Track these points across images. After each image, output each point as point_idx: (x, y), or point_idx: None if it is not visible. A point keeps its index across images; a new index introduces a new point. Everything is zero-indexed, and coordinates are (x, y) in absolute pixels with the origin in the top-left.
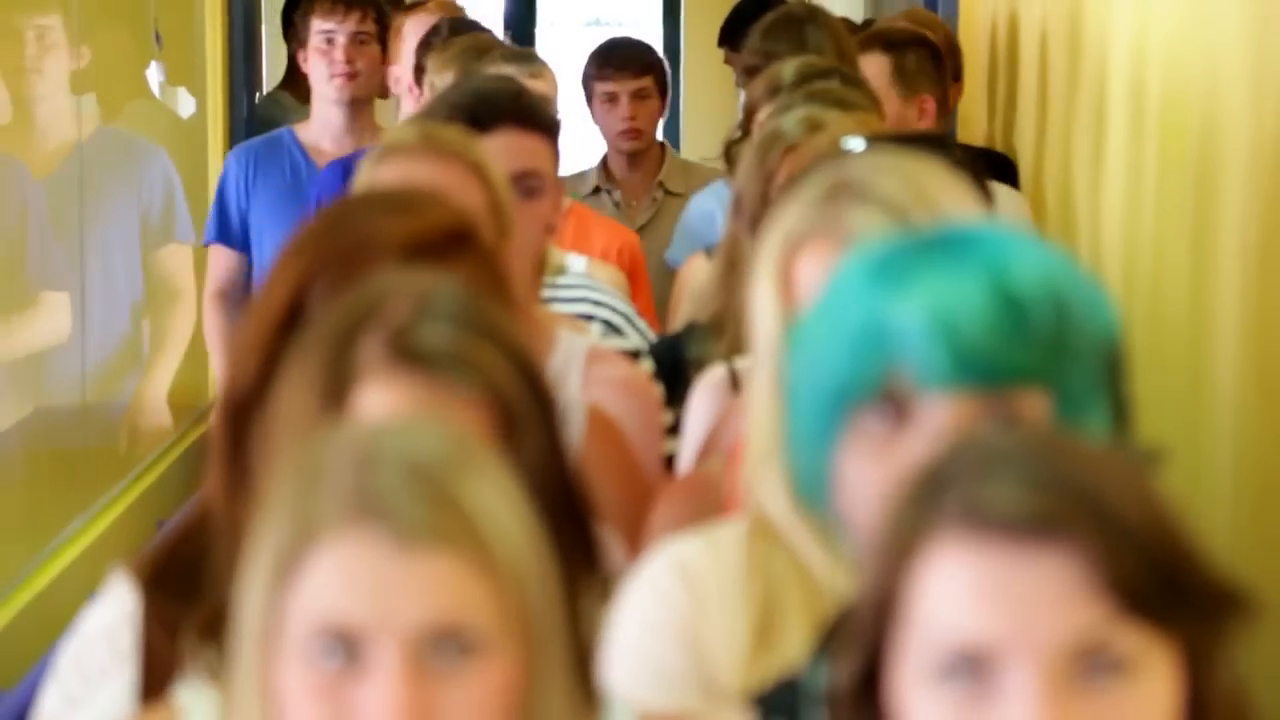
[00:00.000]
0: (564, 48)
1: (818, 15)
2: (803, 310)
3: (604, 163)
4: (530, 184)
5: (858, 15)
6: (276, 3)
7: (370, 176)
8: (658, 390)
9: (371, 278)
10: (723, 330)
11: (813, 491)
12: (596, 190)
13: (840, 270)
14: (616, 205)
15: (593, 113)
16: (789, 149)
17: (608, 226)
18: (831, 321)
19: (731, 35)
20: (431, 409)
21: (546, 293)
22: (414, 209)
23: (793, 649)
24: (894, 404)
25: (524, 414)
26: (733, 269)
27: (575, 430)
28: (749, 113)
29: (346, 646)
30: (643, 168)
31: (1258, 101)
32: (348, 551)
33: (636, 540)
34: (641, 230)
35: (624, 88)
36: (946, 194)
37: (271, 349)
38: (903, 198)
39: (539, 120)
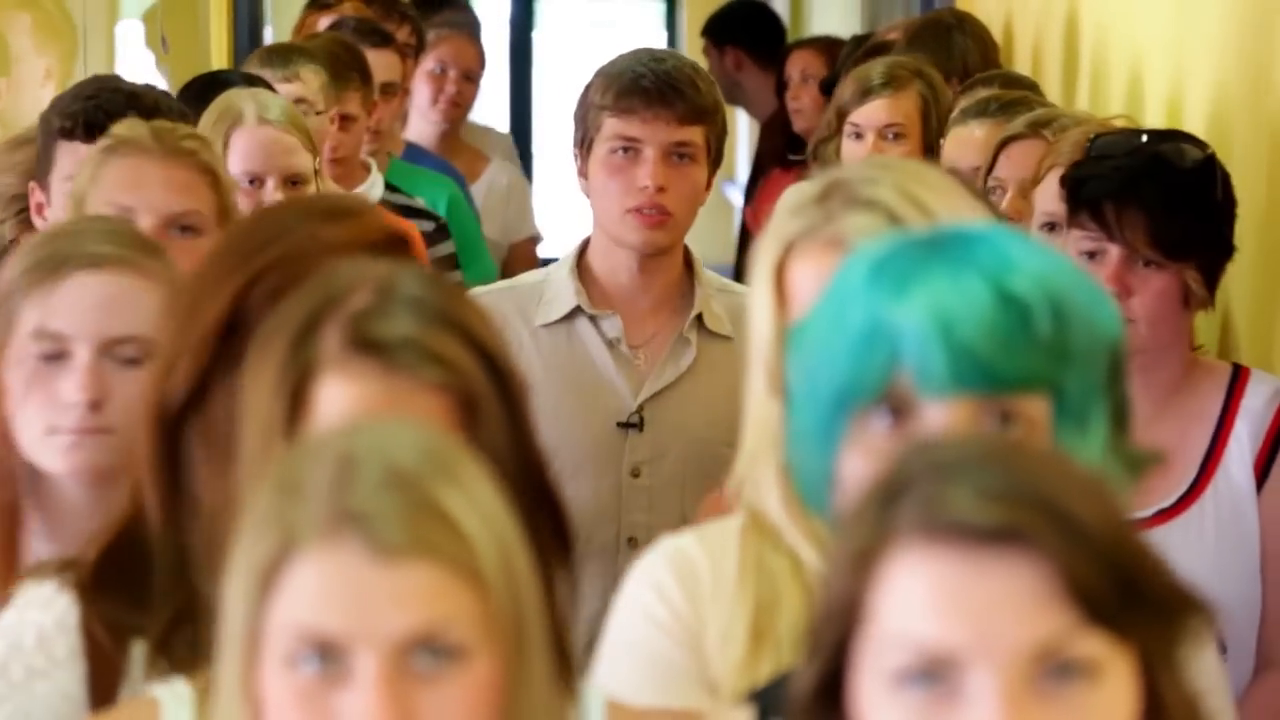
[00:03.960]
0: (564, 50)
1: (965, 22)
2: (802, 312)
3: None
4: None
5: (855, 24)
6: (281, 6)
7: (96, 169)
8: None
9: (329, 270)
10: None
11: (814, 492)
12: None
13: (842, 272)
14: None
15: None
16: (1006, 142)
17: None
18: (833, 323)
19: (717, 31)
20: (392, 398)
21: None
22: (350, 215)
23: (789, 647)
24: (895, 406)
25: (486, 401)
26: None
27: None
28: (840, 114)
29: (327, 656)
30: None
31: (1255, 102)
32: (327, 562)
33: None
34: None
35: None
36: (940, 198)
37: (207, 358)
38: (896, 202)
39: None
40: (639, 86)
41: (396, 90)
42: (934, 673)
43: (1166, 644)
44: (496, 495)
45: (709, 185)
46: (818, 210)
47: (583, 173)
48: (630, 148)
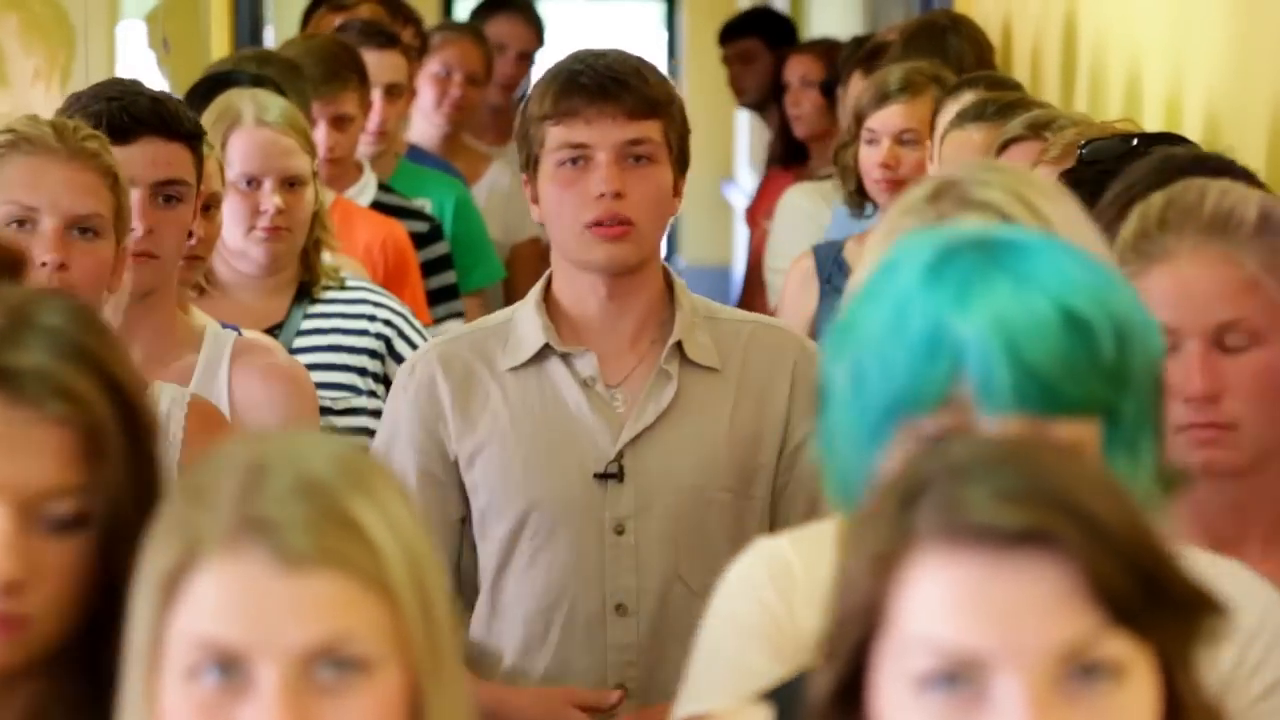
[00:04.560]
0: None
1: (960, 24)
2: (850, 303)
3: None
4: (171, 191)
5: (855, 26)
6: (282, 7)
7: None
8: (306, 375)
9: None
10: None
11: (848, 491)
12: None
13: (888, 269)
14: None
15: None
16: (1006, 144)
17: (370, 220)
18: (889, 325)
19: (732, 36)
20: (10, 428)
21: (329, 297)
22: None
23: None
24: (950, 415)
25: (111, 439)
26: None
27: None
28: (858, 118)
29: (228, 667)
30: None
31: (1252, 104)
32: (230, 572)
33: None
34: None
35: None
36: (1050, 201)
37: None
38: (1007, 203)
39: (181, 129)
40: (578, 85)
41: (402, 91)
42: (958, 676)
43: (1186, 643)
44: (410, 508)
45: (678, 190)
46: (929, 210)
47: (534, 197)
48: (580, 156)
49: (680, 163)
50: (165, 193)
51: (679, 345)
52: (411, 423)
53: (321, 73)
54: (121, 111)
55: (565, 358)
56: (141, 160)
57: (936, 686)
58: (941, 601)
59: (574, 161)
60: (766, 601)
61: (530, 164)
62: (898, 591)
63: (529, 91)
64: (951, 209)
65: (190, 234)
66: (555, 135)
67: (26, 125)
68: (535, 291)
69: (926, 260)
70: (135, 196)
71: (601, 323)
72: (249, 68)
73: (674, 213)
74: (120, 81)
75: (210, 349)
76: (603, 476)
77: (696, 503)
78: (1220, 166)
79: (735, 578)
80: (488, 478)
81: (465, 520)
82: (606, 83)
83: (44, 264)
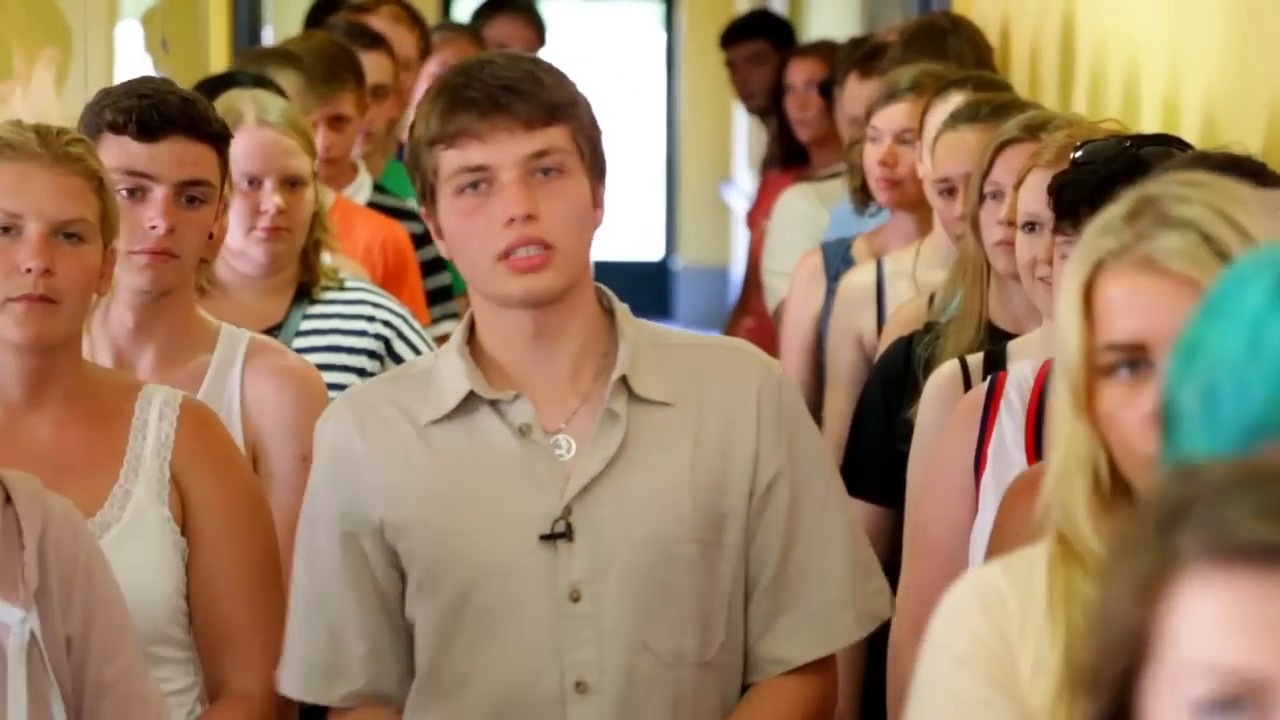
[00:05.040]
0: (563, 51)
1: (959, 25)
2: (1117, 331)
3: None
4: (194, 192)
5: (854, 27)
6: (281, 8)
7: None
8: (319, 378)
9: None
10: (960, 330)
11: None
12: None
13: (1232, 287)
14: None
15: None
16: (1002, 145)
17: (371, 220)
18: (1243, 346)
19: (737, 39)
20: None
21: (328, 298)
22: None
23: None
24: None
25: None
26: (966, 268)
27: (234, 424)
28: (866, 116)
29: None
30: None
31: (1251, 105)
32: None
33: (239, 519)
34: None
35: None
36: (1253, 217)
37: None
38: (1209, 220)
39: (209, 130)
40: (465, 100)
41: (388, 92)
42: (1240, 698)
43: None
44: None
45: (598, 200)
46: (1128, 229)
47: (437, 231)
48: (480, 179)
49: (595, 168)
50: (189, 193)
51: (624, 380)
52: (329, 488)
53: (320, 73)
54: (152, 109)
55: (495, 405)
56: (168, 159)
57: (1217, 712)
58: (1217, 623)
59: (474, 186)
60: (979, 633)
61: (426, 195)
62: (1166, 618)
63: (414, 113)
64: (1150, 227)
65: (211, 234)
66: (449, 160)
67: (9, 131)
68: (457, 334)
69: (1274, 278)
70: (158, 195)
71: (533, 362)
72: (255, 66)
73: (597, 225)
74: (152, 79)
75: (224, 349)
76: (550, 537)
77: (660, 558)
78: (1254, 169)
79: (947, 610)
80: (420, 547)
81: (403, 595)
82: (496, 93)
83: (28, 270)
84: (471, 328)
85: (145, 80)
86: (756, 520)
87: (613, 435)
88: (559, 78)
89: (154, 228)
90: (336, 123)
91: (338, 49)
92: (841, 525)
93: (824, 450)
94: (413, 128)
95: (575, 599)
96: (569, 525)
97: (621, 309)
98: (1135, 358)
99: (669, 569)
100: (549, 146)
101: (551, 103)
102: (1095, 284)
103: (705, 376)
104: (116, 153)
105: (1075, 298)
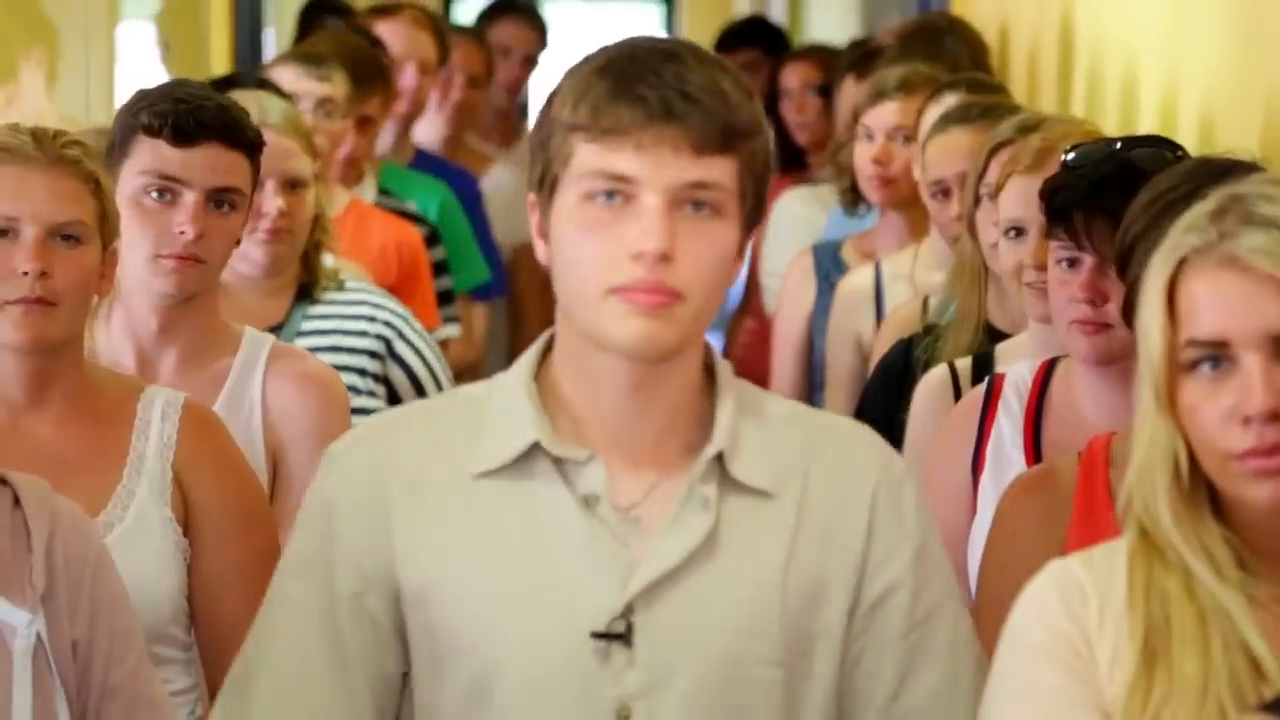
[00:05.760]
0: (563, 51)
1: (956, 26)
2: (1199, 329)
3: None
4: (225, 199)
5: (852, 29)
6: (282, 9)
7: None
8: (340, 384)
9: None
10: (959, 332)
11: None
12: None
13: None
14: None
15: None
16: (997, 147)
17: (385, 222)
18: None
19: (731, 47)
20: None
21: (328, 299)
22: None
23: (1185, 671)
24: None
25: None
26: (964, 270)
27: (254, 426)
28: (855, 115)
29: None
30: None
31: (1248, 106)
32: None
33: (241, 519)
34: None
35: None
36: None
37: None
38: None
39: (243, 138)
40: (633, 93)
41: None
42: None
43: None
44: None
45: (742, 252)
46: (1212, 227)
47: (542, 231)
48: (618, 190)
49: (753, 215)
50: (220, 199)
51: (719, 457)
52: (347, 519)
53: (353, 74)
54: (189, 115)
55: (561, 464)
56: (201, 165)
57: None
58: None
59: (609, 196)
60: (1057, 625)
61: (545, 184)
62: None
63: (559, 82)
64: (1235, 225)
65: (238, 241)
66: (588, 155)
67: (5, 134)
68: (524, 366)
69: None
70: (189, 200)
71: (616, 420)
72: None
73: (731, 284)
74: (188, 84)
75: (247, 353)
76: (604, 637)
77: (732, 681)
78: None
79: (1026, 601)
80: (439, 623)
81: (406, 676)
82: (674, 98)
83: (25, 273)
84: (540, 362)
85: (181, 84)
86: (859, 641)
87: (696, 524)
88: (745, 97)
89: (183, 233)
90: (363, 124)
91: (369, 53)
92: (970, 666)
93: (953, 573)
94: (551, 101)
95: (624, 716)
96: (629, 626)
97: (724, 366)
98: (1217, 354)
99: (742, 694)
100: (712, 180)
101: (732, 126)
102: (1179, 281)
103: (813, 462)
104: (149, 155)
105: (1159, 294)
